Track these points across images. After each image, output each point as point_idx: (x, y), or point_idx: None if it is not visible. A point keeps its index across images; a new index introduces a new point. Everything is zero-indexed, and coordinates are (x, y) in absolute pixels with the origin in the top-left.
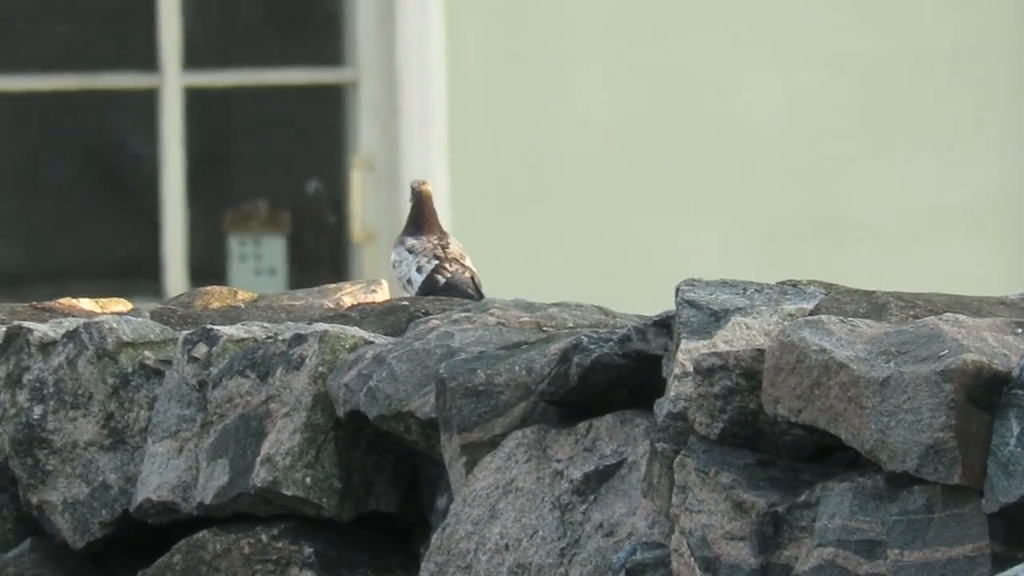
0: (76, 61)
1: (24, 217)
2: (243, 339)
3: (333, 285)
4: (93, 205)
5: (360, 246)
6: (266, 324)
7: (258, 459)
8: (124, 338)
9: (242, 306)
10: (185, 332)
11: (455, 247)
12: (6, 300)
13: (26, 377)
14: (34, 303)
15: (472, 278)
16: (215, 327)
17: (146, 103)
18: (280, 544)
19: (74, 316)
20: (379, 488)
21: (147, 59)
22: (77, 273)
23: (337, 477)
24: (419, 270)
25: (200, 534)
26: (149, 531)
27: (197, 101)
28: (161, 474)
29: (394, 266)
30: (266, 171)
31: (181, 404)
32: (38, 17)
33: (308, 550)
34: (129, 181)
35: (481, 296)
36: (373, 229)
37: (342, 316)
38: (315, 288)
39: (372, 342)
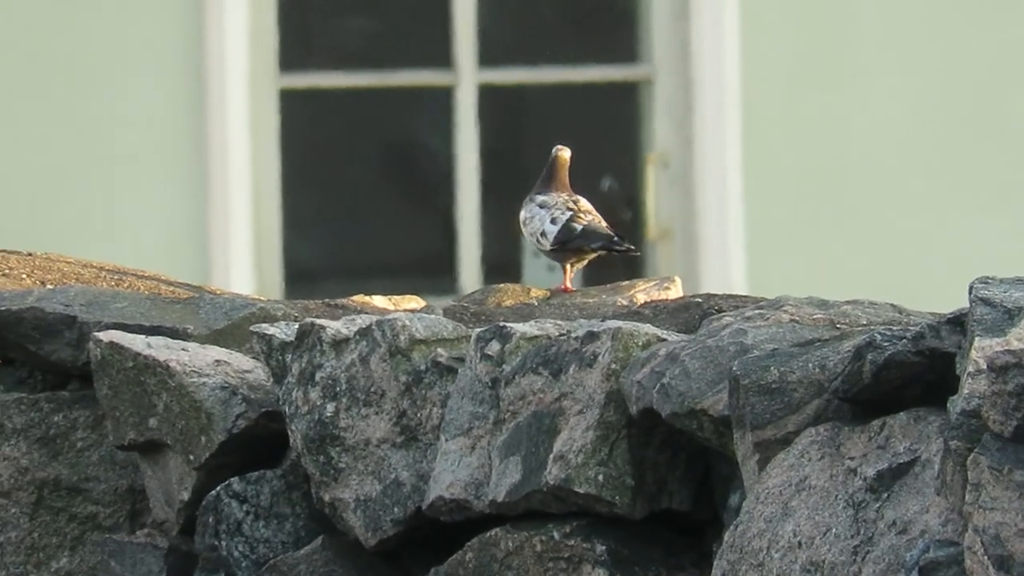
0: (373, 59)
1: (320, 214)
2: (536, 336)
3: (626, 282)
4: (388, 202)
5: (654, 243)
6: (559, 322)
7: (550, 456)
8: (417, 335)
9: (535, 303)
10: (478, 329)
11: (585, 203)
12: (300, 297)
13: (319, 375)
14: (327, 300)
15: (607, 227)
16: (508, 324)
17: (441, 100)
18: (572, 542)
19: (367, 313)
20: (672, 486)
21: (443, 57)
22: (371, 270)
23: (630, 475)
24: (553, 221)
25: (492, 532)
26: (441, 528)
27: (492, 98)
28: (453, 472)
29: (524, 223)
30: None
31: (474, 402)
32: (335, 15)
33: (600, 548)
34: (424, 178)
35: (621, 239)
36: (667, 226)
37: (635, 313)
38: (608, 285)
39: (665, 339)
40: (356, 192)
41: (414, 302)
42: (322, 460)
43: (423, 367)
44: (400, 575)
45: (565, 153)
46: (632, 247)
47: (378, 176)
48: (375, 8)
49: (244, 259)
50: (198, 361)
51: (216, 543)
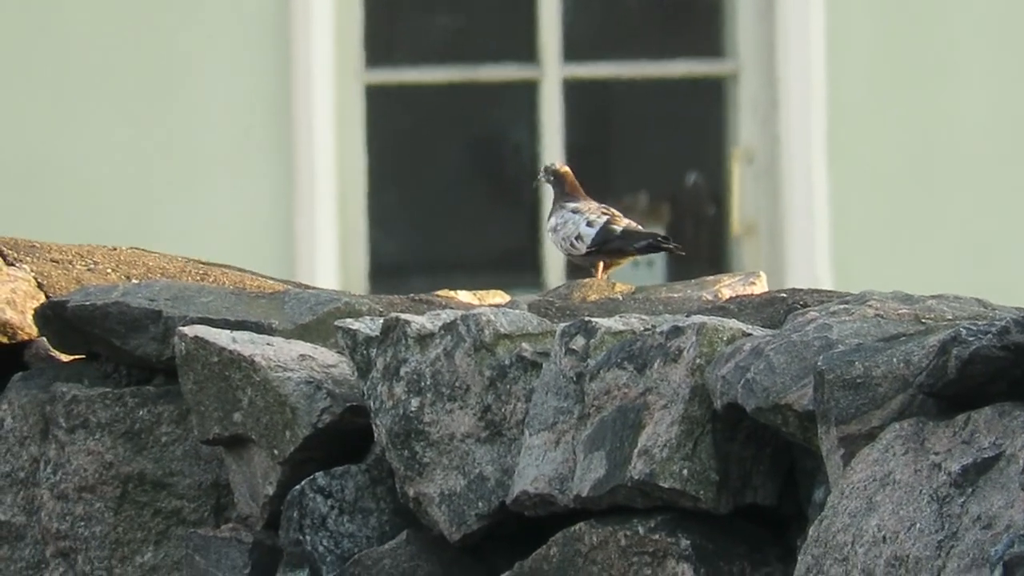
0: (458, 54)
1: (405, 209)
2: (621, 331)
3: (711, 277)
4: (473, 197)
5: (739, 239)
6: (644, 316)
7: (635, 451)
8: (501, 330)
9: (620, 298)
10: (563, 324)
11: (615, 210)
12: (385, 292)
13: (403, 369)
14: (412, 295)
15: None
16: (593, 319)
17: (526, 95)
18: (657, 536)
19: (452, 308)
20: (756, 480)
21: (527, 51)
22: (456, 265)
23: (714, 469)
24: (589, 224)
25: (577, 526)
26: (525, 523)
27: (576, 93)
28: (538, 466)
29: (555, 230)
30: (645, 163)
31: (558, 396)
32: (420, 10)
33: (685, 542)
34: (509, 173)
35: (666, 238)
36: (752, 222)
37: (720, 308)
38: (693, 280)
39: (750, 334)
40: (441, 187)
41: (499, 297)
42: (406, 455)
43: (507, 362)
44: (484, 570)
45: (566, 168)
46: (679, 245)
47: (463, 171)
48: (460, 3)
49: (329, 254)
50: (283, 356)
51: (300, 538)
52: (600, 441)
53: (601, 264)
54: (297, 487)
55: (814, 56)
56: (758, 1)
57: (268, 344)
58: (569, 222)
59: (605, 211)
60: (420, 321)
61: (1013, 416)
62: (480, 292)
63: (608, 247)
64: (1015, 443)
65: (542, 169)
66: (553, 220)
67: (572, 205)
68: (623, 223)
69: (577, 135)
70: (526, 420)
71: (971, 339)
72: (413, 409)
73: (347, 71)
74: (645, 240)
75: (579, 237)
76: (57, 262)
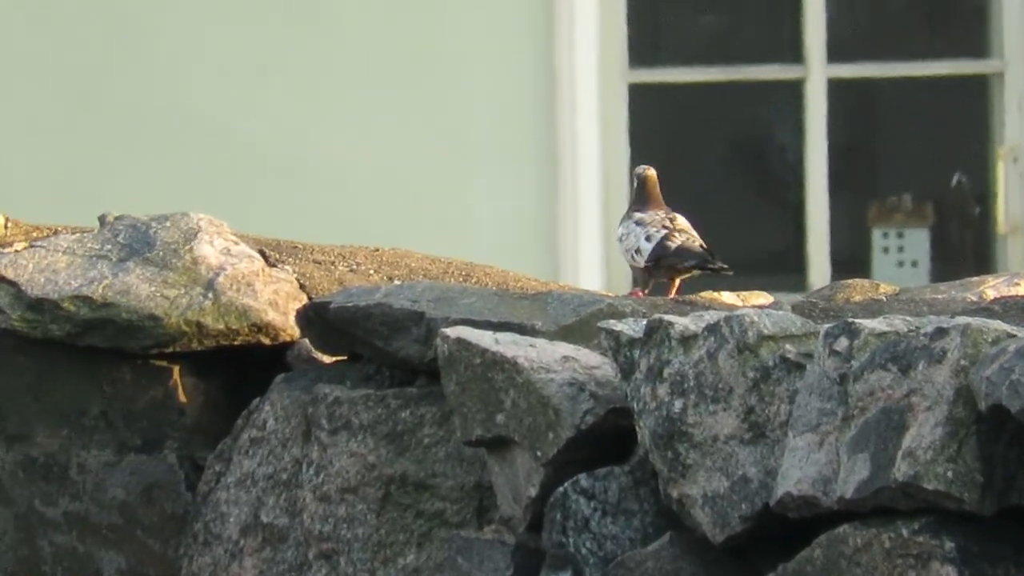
0: (721, 54)
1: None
2: (884, 332)
3: (976, 278)
4: (736, 198)
5: (1004, 238)
6: (907, 317)
7: (899, 453)
8: (765, 331)
9: (883, 299)
10: (826, 325)
11: (682, 221)
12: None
13: (666, 371)
14: (676, 297)
15: (702, 245)
16: (856, 320)
17: (791, 95)
18: (920, 539)
19: (715, 309)
20: (1021, 482)
21: (792, 51)
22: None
23: (979, 471)
24: (648, 239)
25: (840, 528)
26: (788, 525)
27: (841, 93)
28: (801, 468)
29: (620, 240)
30: (910, 163)
31: (822, 398)
32: (684, 11)
33: (949, 545)
34: (773, 174)
35: (713, 258)
36: (1018, 221)
37: (984, 309)
38: (957, 281)
39: (1015, 335)
40: (704, 187)
41: (762, 298)
42: (670, 456)
43: (771, 363)
44: (746, 571)
45: (652, 172)
46: (725, 266)
47: (726, 171)
48: (724, 3)
49: (593, 255)
50: (546, 357)
51: (563, 539)
52: (864, 443)
53: (662, 280)
54: (560, 489)
55: None
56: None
57: (531, 345)
58: (632, 234)
59: (667, 224)
60: (683, 323)
61: None
62: (743, 293)
63: (664, 262)
64: None
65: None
66: (620, 230)
67: (638, 216)
68: (679, 239)
69: (841, 135)
70: (789, 421)
71: None
72: (676, 411)
73: (611, 71)
74: (694, 259)
75: (638, 251)
76: (319, 263)
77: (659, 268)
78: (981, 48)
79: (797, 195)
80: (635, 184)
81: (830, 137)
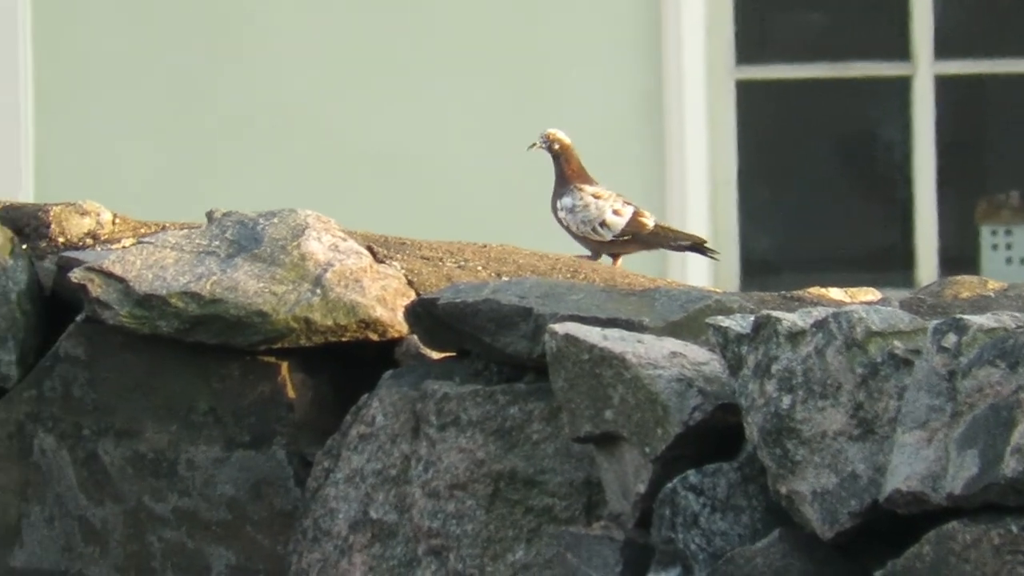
0: (829, 50)
1: (776, 206)
2: (993, 329)
3: None
4: (844, 194)
5: None
6: (1016, 314)
7: (1007, 449)
8: (873, 328)
9: (992, 296)
10: (935, 322)
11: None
12: (756, 289)
13: (775, 367)
14: (783, 292)
15: (657, 223)
16: (965, 317)
17: (898, 92)
18: None
19: (823, 306)
20: None
21: (899, 48)
22: (828, 262)
23: None
24: (616, 212)
25: (950, 525)
26: (897, 522)
27: (949, 90)
28: (910, 464)
29: (573, 211)
30: (1018, 160)
31: (930, 394)
32: (791, 7)
33: None
34: (881, 170)
35: (705, 244)
36: None
37: None
38: None
39: None
40: (812, 183)
41: (870, 294)
42: (778, 453)
43: (879, 359)
44: (855, 568)
45: (567, 140)
46: (716, 251)
47: (834, 167)
48: (831, 0)
49: None
50: (654, 353)
51: (672, 536)
52: (972, 439)
53: (618, 254)
54: (669, 485)
55: None
56: None
57: (639, 341)
58: (590, 206)
59: (627, 200)
60: (791, 318)
61: None
62: (852, 289)
63: (639, 239)
64: None
65: (541, 136)
66: (568, 200)
67: (589, 188)
68: (651, 216)
69: (950, 132)
70: (898, 418)
71: None
72: (785, 407)
73: (718, 68)
74: (675, 237)
75: (603, 224)
76: (427, 259)
77: (632, 243)
78: None
79: (905, 192)
80: (552, 152)
81: (938, 133)
